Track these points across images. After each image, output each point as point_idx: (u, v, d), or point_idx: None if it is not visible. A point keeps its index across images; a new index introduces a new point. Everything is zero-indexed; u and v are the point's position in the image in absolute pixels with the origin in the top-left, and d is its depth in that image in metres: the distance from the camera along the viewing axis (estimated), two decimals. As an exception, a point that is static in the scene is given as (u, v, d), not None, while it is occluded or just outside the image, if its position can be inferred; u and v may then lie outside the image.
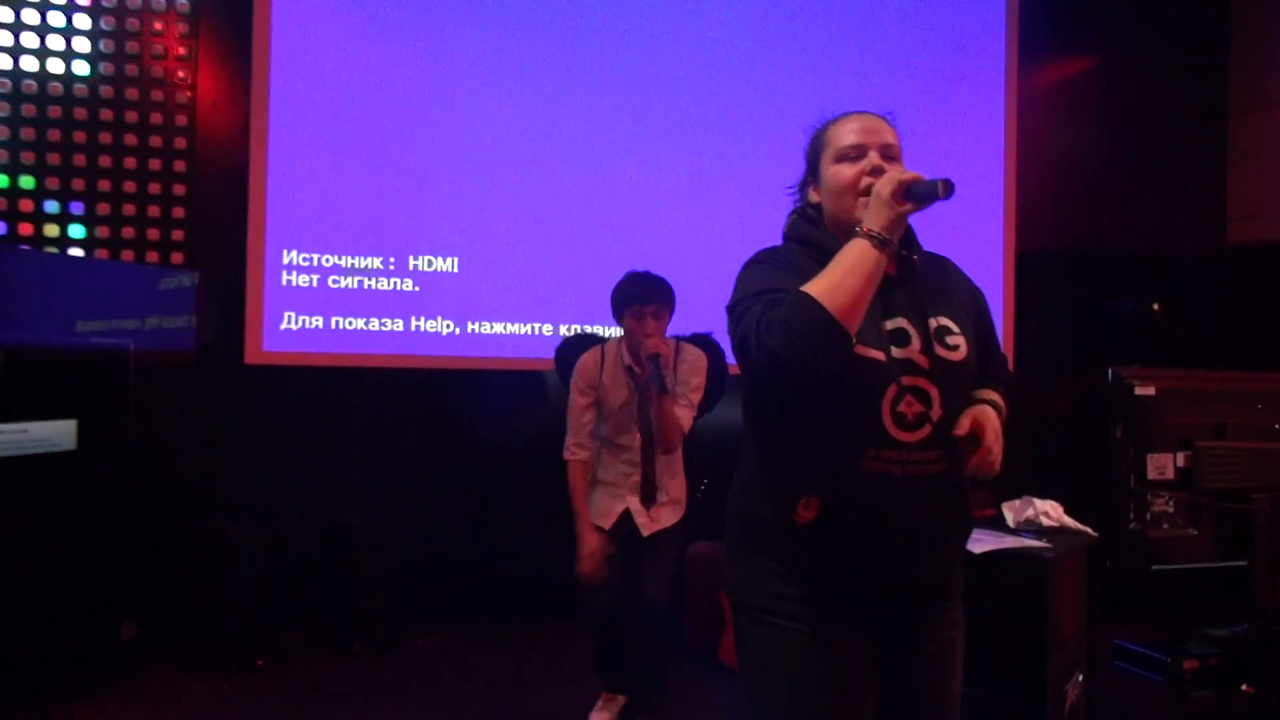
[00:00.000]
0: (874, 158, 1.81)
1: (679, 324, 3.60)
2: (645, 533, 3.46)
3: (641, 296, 3.38)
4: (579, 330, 4.37)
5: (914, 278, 1.86)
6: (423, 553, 4.79)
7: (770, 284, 1.75)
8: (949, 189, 1.64)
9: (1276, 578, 3.23)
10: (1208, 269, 5.43)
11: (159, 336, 4.45)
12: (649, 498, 3.46)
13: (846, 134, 1.85)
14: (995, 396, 1.88)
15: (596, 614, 3.51)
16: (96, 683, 3.91)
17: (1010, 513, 3.30)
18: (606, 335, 3.82)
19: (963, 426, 1.77)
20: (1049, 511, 3.25)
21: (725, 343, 3.56)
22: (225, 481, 4.69)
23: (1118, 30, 5.81)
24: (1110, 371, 3.23)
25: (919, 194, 1.67)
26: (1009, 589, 2.88)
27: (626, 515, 3.46)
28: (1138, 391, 3.15)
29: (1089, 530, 3.21)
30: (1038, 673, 2.81)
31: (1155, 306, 5.52)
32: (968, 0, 5.53)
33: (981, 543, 2.97)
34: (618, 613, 3.50)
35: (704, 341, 3.68)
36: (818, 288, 1.63)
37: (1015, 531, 3.19)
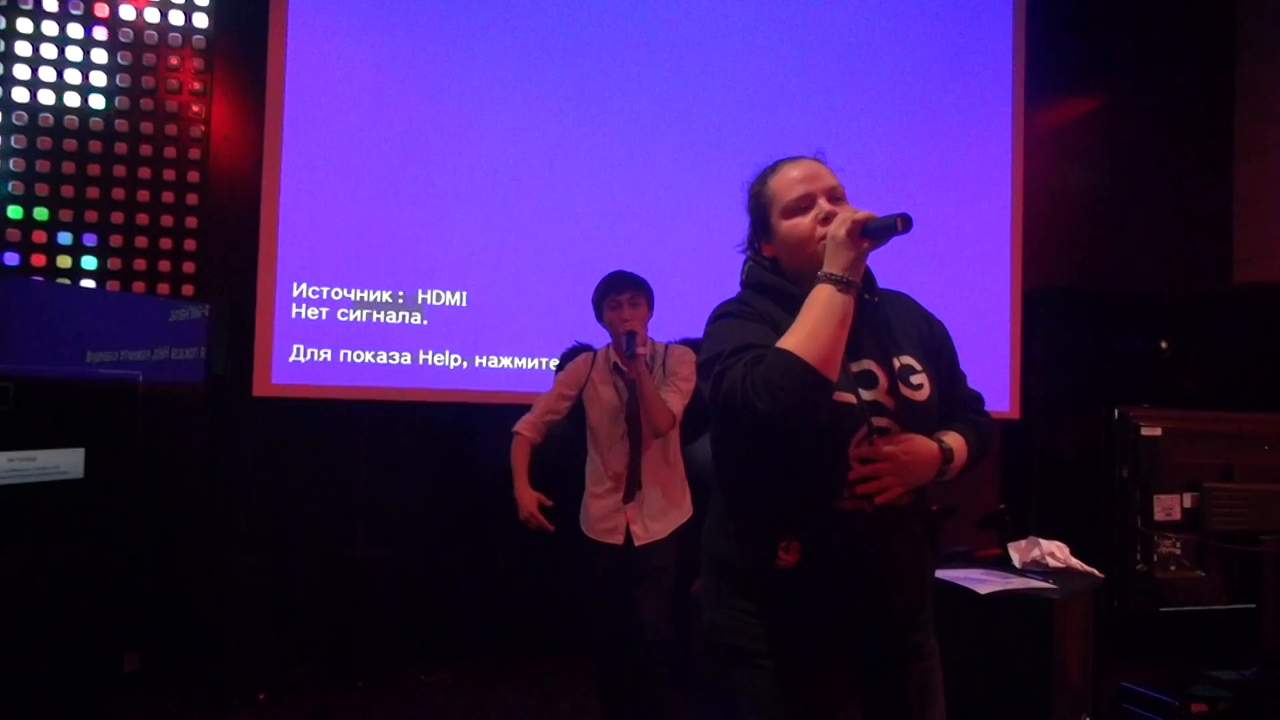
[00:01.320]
0: (824, 204, 1.83)
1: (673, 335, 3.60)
2: (637, 542, 3.40)
3: (615, 287, 3.44)
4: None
5: (875, 317, 1.86)
6: (428, 587, 4.78)
7: (744, 339, 1.75)
8: (907, 223, 1.64)
9: (1285, 621, 3.21)
10: (1215, 309, 5.43)
11: (169, 368, 4.47)
12: (630, 494, 3.42)
13: (791, 186, 1.87)
14: (951, 438, 1.87)
15: (604, 643, 3.48)
16: (98, 716, 3.89)
17: (1016, 553, 3.29)
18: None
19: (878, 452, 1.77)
20: (1055, 552, 3.24)
21: None
22: (231, 513, 4.69)
23: (1124, 71, 5.85)
24: (1116, 412, 3.22)
25: (876, 230, 1.68)
26: (1014, 630, 2.86)
27: (629, 530, 3.43)
28: (1144, 432, 3.15)
29: (1095, 571, 3.19)
30: (1043, 715, 2.78)
31: (1163, 345, 5.51)
32: (975, 40, 5.58)
33: (987, 583, 2.96)
34: (622, 641, 3.44)
35: (694, 345, 3.58)
36: (794, 341, 1.65)
37: (1021, 572, 3.17)
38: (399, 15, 4.85)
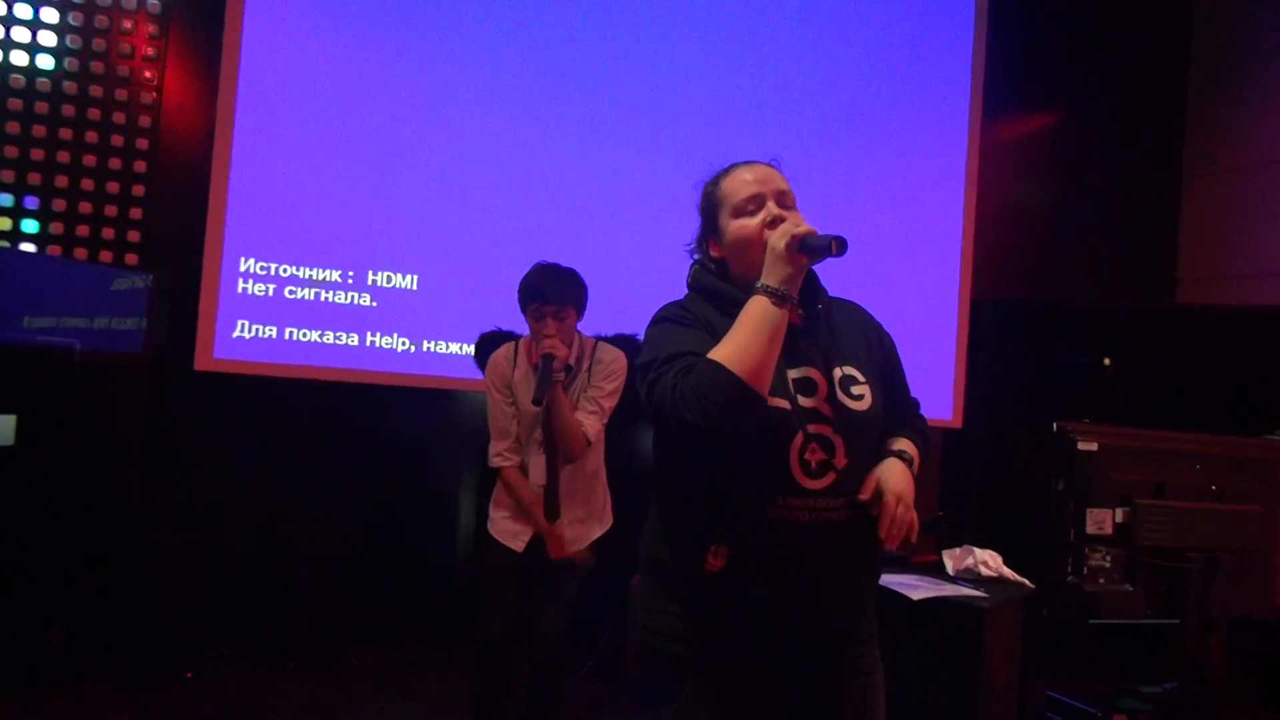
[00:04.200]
0: (772, 208, 1.83)
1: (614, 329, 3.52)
2: (554, 555, 3.19)
3: (542, 294, 3.12)
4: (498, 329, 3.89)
5: (818, 326, 1.87)
6: (363, 571, 4.72)
7: (679, 346, 1.74)
8: (842, 246, 1.65)
9: (1207, 636, 3.28)
10: (1158, 328, 5.53)
11: (108, 337, 4.38)
12: (552, 512, 3.18)
13: (742, 187, 1.86)
14: (906, 445, 1.88)
15: (488, 645, 3.27)
16: (18, 688, 3.82)
17: (950, 560, 3.32)
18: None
19: (867, 488, 1.77)
20: (988, 561, 3.28)
21: None
22: (166, 488, 4.61)
23: (1079, 90, 5.94)
24: (1055, 425, 3.27)
25: (812, 248, 1.68)
26: (944, 636, 2.90)
27: (538, 539, 3.21)
28: (1080, 446, 3.19)
29: (1026, 582, 3.24)
30: (969, 721, 2.82)
31: (1106, 361, 5.60)
32: (935, 53, 5.62)
33: (919, 589, 2.99)
34: (510, 646, 3.26)
35: (628, 343, 3.45)
36: (725, 353, 1.65)
37: (954, 579, 3.21)
38: (361, -8, 4.79)
